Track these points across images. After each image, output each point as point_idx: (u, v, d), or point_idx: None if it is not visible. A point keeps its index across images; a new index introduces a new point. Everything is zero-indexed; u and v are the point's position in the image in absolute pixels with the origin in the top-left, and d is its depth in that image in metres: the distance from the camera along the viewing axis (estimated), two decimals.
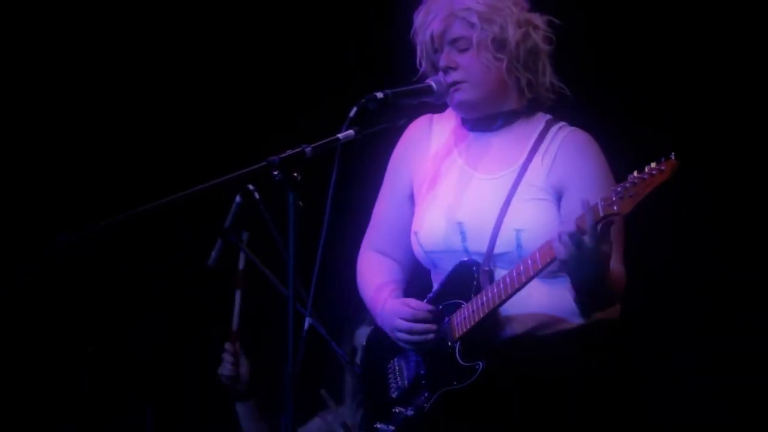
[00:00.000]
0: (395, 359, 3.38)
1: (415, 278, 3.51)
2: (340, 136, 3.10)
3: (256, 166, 3.00)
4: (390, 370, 3.38)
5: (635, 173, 2.89)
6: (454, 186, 3.33)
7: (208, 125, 6.03)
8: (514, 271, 3.09)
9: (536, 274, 3.05)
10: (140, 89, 6.01)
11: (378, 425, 3.33)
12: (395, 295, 3.39)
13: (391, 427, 3.29)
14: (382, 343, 3.42)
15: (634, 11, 5.12)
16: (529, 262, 3.06)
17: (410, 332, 3.24)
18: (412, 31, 3.35)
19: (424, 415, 3.21)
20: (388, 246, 3.48)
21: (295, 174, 2.96)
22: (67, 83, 5.95)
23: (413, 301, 3.28)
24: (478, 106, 3.32)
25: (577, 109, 3.38)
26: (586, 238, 2.92)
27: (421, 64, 3.36)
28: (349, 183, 3.35)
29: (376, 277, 3.46)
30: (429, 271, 3.43)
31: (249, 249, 4.03)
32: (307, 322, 3.08)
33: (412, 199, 3.44)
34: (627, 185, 2.88)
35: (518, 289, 3.09)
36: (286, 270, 2.97)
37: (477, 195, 3.28)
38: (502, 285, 3.12)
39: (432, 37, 3.29)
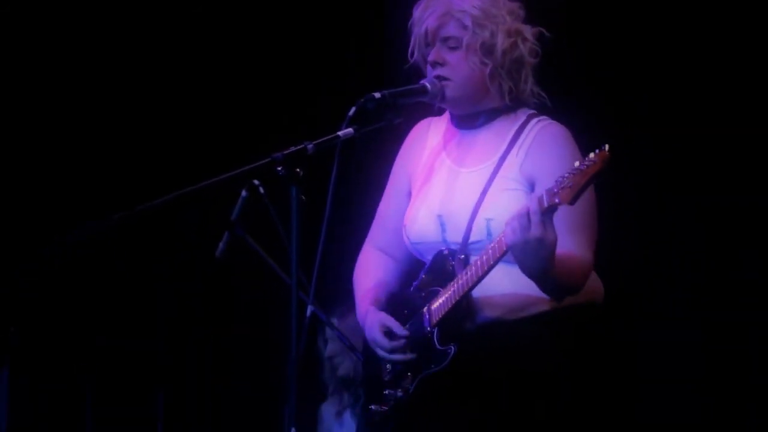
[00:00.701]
0: None
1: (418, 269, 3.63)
2: (340, 134, 3.22)
3: (260, 163, 3.13)
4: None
5: (576, 164, 2.99)
6: (438, 181, 3.45)
7: (213, 124, 6.08)
8: (481, 257, 3.20)
9: (497, 260, 3.15)
10: (144, 89, 5.99)
11: (372, 407, 3.44)
12: (379, 301, 3.50)
13: (384, 408, 3.40)
14: None
15: (627, 13, 5.19)
16: (491, 248, 3.17)
17: (383, 348, 3.39)
18: (409, 22, 3.44)
19: (409, 397, 3.34)
20: (387, 243, 3.59)
21: (298, 170, 3.08)
22: (71, 82, 5.92)
23: (390, 324, 3.39)
24: (460, 103, 3.42)
25: (564, 107, 3.47)
26: (532, 227, 3.03)
27: (413, 55, 3.45)
28: (349, 178, 3.45)
29: (368, 277, 3.58)
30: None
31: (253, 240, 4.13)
32: (309, 309, 3.22)
33: (410, 197, 3.55)
34: (566, 176, 2.99)
35: (484, 274, 3.19)
36: (289, 260, 3.09)
37: (456, 188, 3.40)
38: (470, 271, 3.22)
39: (426, 31, 3.38)
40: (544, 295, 3.26)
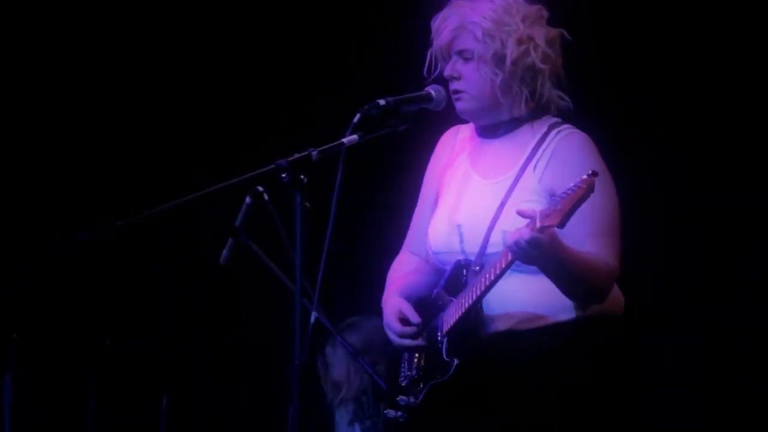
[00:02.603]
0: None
1: None
2: (344, 140, 3.22)
3: (265, 169, 3.13)
4: (402, 360, 3.52)
5: (568, 186, 3.00)
6: (459, 191, 3.45)
7: (213, 127, 6.11)
8: (488, 268, 3.20)
9: (503, 271, 3.15)
10: (144, 93, 6.05)
11: (388, 411, 3.45)
12: (400, 289, 3.52)
13: (399, 413, 3.41)
14: None
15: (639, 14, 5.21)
16: (498, 258, 3.17)
17: (400, 334, 3.41)
18: (431, 37, 3.43)
19: (420, 404, 3.35)
20: (418, 248, 3.59)
21: (302, 176, 3.08)
22: (74, 85, 5.97)
23: (406, 311, 3.41)
24: (478, 115, 3.43)
25: (587, 112, 3.47)
26: (528, 248, 3.03)
27: (436, 68, 3.44)
28: (353, 184, 3.42)
29: (399, 274, 3.59)
30: None
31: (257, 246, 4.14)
32: (313, 316, 3.23)
33: (436, 205, 3.55)
34: (557, 199, 2.99)
35: (491, 285, 3.18)
36: (293, 267, 3.09)
37: (476, 199, 3.39)
38: (479, 282, 3.23)
39: (442, 45, 3.40)
40: (554, 306, 3.26)
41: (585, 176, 2.98)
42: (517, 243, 3.04)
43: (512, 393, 3.27)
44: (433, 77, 3.45)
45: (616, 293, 3.39)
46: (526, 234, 3.02)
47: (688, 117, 5.15)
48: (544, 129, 3.39)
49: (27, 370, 5.59)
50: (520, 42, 3.34)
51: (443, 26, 3.40)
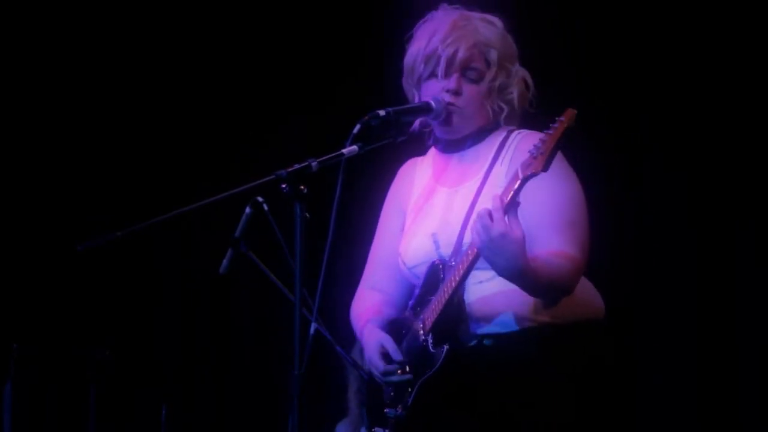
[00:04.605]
0: None
1: None
2: (344, 151, 3.23)
3: (265, 179, 3.14)
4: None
5: (543, 132, 3.05)
6: (430, 205, 3.48)
7: (218, 141, 6.12)
8: (462, 254, 3.23)
9: (471, 262, 3.17)
10: (147, 105, 6.06)
11: (375, 429, 3.45)
12: (371, 322, 3.53)
13: (387, 430, 3.41)
14: None
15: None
16: (465, 251, 3.21)
17: (386, 383, 3.41)
18: (426, 42, 3.43)
19: (408, 411, 3.34)
20: (380, 280, 3.62)
21: (302, 187, 3.08)
22: (78, 96, 6.00)
23: (387, 346, 3.40)
24: (461, 130, 3.47)
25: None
26: (495, 224, 3.04)
27: (420, 70, 3.45)
28: (353, 195, 3.46)
29: (363, 310, 3.60)
30: None
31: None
32: (313, 327, 3.20)
33: (403, 231, 3.58)
34: (538, 145, 3.03)
35: (465, 273, 3.20)
36: (293, 277, 3.09)
37: (447, 206, 3.43)
38: (454, 272, 3.24)
39: (451, 58, 3.40)
40: (534, 308, 3.27)
41: (562, 117, 3.01)
42: (481, 220, 3.05)
43: (497, 395, 3.28)
44: (417, 79, 3.46)
45: (595, 299, 3.42)
46: (496, 203, 3.05)
47: (687, 117, 5.17)
48: (504, 134, 3.46)
49: (27, 379, 5.59)
50: (519, 81, 3.46)
51: (453, 39, 3.40)
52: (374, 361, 3.40)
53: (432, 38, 3.43)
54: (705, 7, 5.09)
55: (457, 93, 3.42)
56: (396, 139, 3.36)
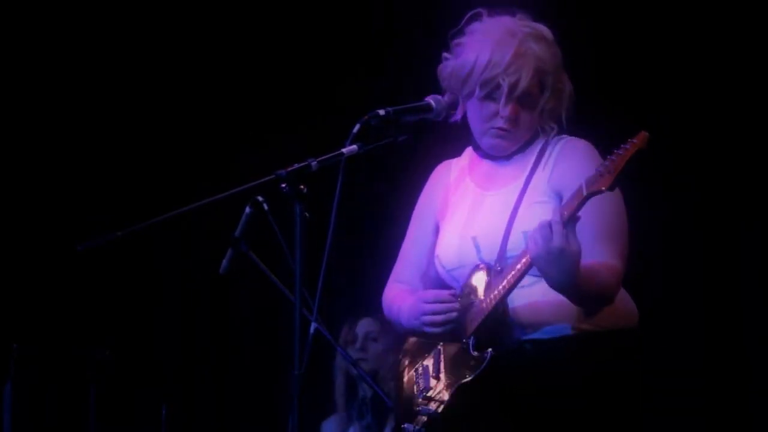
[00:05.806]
0: (422, 362, 3.51)
1: None
2: (344, 150, 3.22)
3: (264, 179, 3.13)
4: (417, 373, 3.51)
5: (613, 152, 3.02)
6: (467, 207, 3.46)
7: (218, 140, 6.13)
8: (512, 264, 3.22)
9: (523, 272, 3.17)
10: (148, 105, 6.08)
11: (405, 425, 3.42)
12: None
13: (417, 426, 3.39)
14: (410, 350, 3.59)
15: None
16: (518, 260, 3.20)
17: (433, 312, 3.35)
18: (486, 63, 3.36)
19: (444, 410, 3.33)
20: (407, 276, 3.60)
21: (302, 186, 3.08)
22: (78, 96, 6.02)
23: (434, 290, 3.41)
24: (506, 150, 3.46)
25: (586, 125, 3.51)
26: (554, 237, 3.04)
27: (474, 89, 3.39)
28: (353, 194, 3.45)
29: (396, 294, 3.58)
30: None
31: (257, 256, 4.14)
32: (313, 326, 3.20)
33: (437, 232, 3.56)
34: (606, 163, 3.01)
35: (514, 285, 3.20)
36: (293, 277, 3.09)
37: (486, 210, 3.42)
38: (504, 280, 3.23)
39: (512, 87, 3.35)
40: (584, 317, 3.28)
41: (634, 139, 3.00)
42: (540, 230, 3.05)
43: (536, 400, 3.28)
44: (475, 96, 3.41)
45: (630, 307, 3.43)
46: (556, 217, 3.04)
47: (687, 117, 5.17)
48: (545, 140, 3.46)
49: (27, 379, 5.59)
50: (570, 97, 3.44)
51: (519, 65, 3.35)
52: (422, 306, 3.35)
53: (492, 58, 3.36)
54: (712, 10, 5.10)
55: (511, 120, 3.40)
56: (396, 138, 3.35)
